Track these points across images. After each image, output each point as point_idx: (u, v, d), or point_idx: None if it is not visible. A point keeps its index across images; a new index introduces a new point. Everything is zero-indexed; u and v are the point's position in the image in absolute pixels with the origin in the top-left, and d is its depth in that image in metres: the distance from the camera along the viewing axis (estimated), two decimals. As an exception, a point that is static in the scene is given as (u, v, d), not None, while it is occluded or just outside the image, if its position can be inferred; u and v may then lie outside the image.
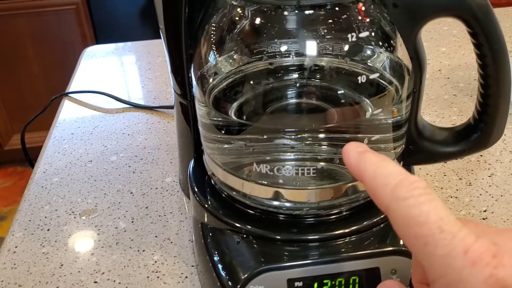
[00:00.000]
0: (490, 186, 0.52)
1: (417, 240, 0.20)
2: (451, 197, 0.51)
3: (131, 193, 0.53)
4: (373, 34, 0.36)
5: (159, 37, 0.43)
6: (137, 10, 2.00)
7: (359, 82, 0.36)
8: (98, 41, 2.04)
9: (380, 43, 0.38)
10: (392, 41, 0.37)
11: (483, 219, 0.48)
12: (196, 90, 0.41)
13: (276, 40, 0.39)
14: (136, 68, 0.83)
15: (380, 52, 0.38)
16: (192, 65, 0.41)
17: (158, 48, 0.88)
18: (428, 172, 0.54)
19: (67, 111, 0.71)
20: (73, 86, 0.77)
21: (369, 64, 0.38)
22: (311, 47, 0.38)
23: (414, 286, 0.25)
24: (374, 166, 0.23)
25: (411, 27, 0.36)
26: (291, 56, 0.40)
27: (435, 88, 0.71)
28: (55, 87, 2.11)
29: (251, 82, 0.42)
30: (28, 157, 0.79)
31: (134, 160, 0.59)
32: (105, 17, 2.02)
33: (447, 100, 0.68)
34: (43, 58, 2.05)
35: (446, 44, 0.83)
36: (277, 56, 0.40)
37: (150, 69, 0.81)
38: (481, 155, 0.56)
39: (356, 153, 0.23)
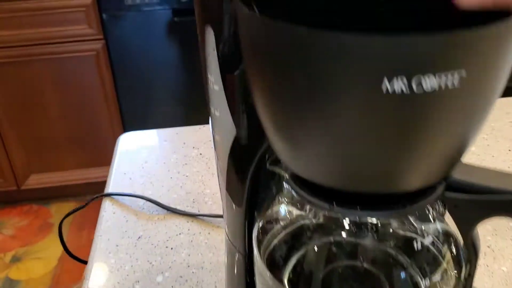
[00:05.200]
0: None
1: None
2: None
3: (181, 326, 0.55)
4: (435, 235, 0.39)
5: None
6: (154, 55, 2.04)
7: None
8: (116, 86, 2.09)
9: (440, 240, 0.40)
10: (451, 237, 0.39)
11: None
12: (257, 257, 0.43)
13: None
14: (173, 162, 0.86)
15: (441, 249, 0.40)
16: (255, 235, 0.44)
17: (192, 137, 0.90)
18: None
19: (108, 212, 0.73)
20: (112, 184, 0.79)
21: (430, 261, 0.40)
22: (373, 250, 0.40)
23: None
24: None
25: (469, 224, 0.38)
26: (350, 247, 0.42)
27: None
28: (73, 130, 2.16)
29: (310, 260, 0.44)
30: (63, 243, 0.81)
31: (179, 282, 0.61)
32: (124, 62, 2.06)
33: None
34: (62, 101, 2.10)
35: (475, 144, 0.85)
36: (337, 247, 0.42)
37: (186, 163, 0.84)
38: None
39: None
